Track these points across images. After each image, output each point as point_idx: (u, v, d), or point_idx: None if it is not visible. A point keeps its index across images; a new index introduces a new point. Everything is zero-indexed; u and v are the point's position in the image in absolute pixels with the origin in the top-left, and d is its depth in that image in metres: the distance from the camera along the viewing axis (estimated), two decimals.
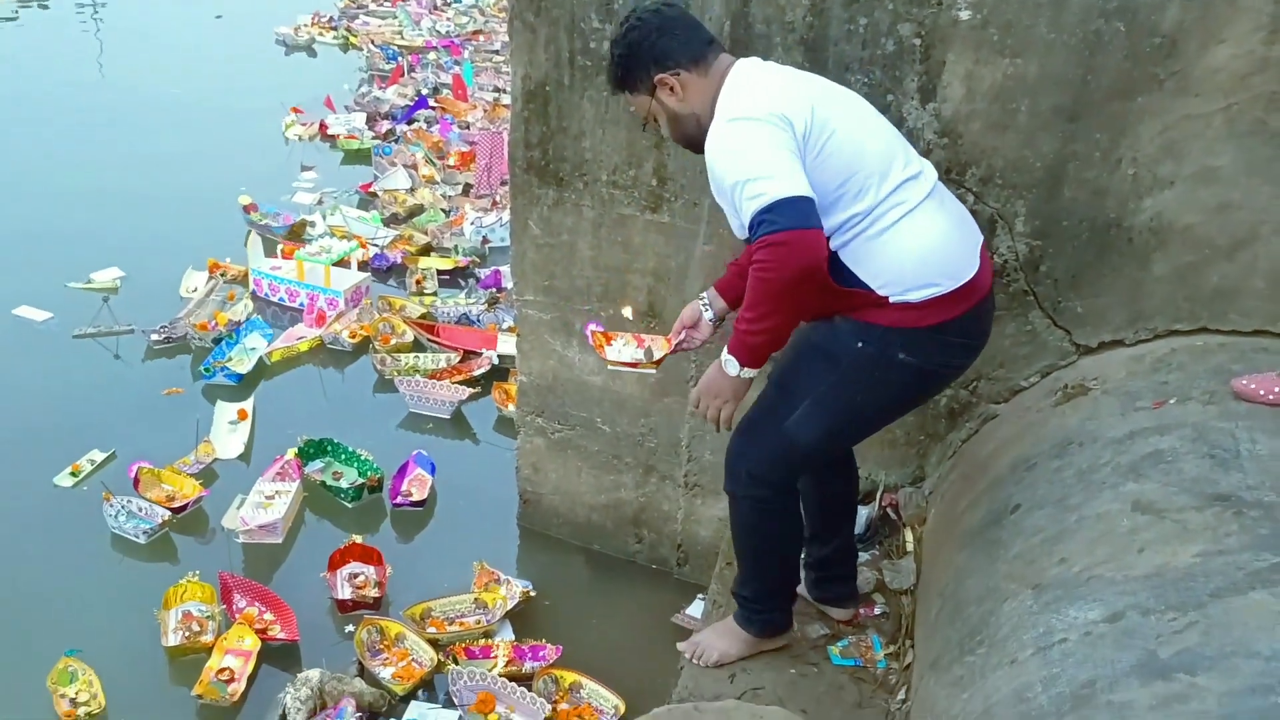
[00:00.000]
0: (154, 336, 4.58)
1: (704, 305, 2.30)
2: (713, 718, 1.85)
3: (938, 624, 2.10)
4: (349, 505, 3.64)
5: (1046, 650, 1.59)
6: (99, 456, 3.78)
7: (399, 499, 3.63)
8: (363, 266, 5.31)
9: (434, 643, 2.95)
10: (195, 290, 5.08)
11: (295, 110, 7.85)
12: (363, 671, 2.87)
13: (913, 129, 2.35)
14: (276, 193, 6.40)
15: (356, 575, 3.22)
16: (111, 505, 3.41)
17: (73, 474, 3.68)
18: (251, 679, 2.85)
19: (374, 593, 3.14)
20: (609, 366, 2.49)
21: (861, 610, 2.51)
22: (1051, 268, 2.37)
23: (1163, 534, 1.65)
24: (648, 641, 3.05)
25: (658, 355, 2.41)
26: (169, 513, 3.43)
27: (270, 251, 5.37)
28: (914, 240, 1.93)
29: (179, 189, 6.42)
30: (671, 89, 2.02)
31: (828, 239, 1.89)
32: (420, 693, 2.85)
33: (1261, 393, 1.91)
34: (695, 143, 2.06)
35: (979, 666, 1.76)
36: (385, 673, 2.84)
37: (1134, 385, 2.17)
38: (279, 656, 2.96)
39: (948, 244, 1.96)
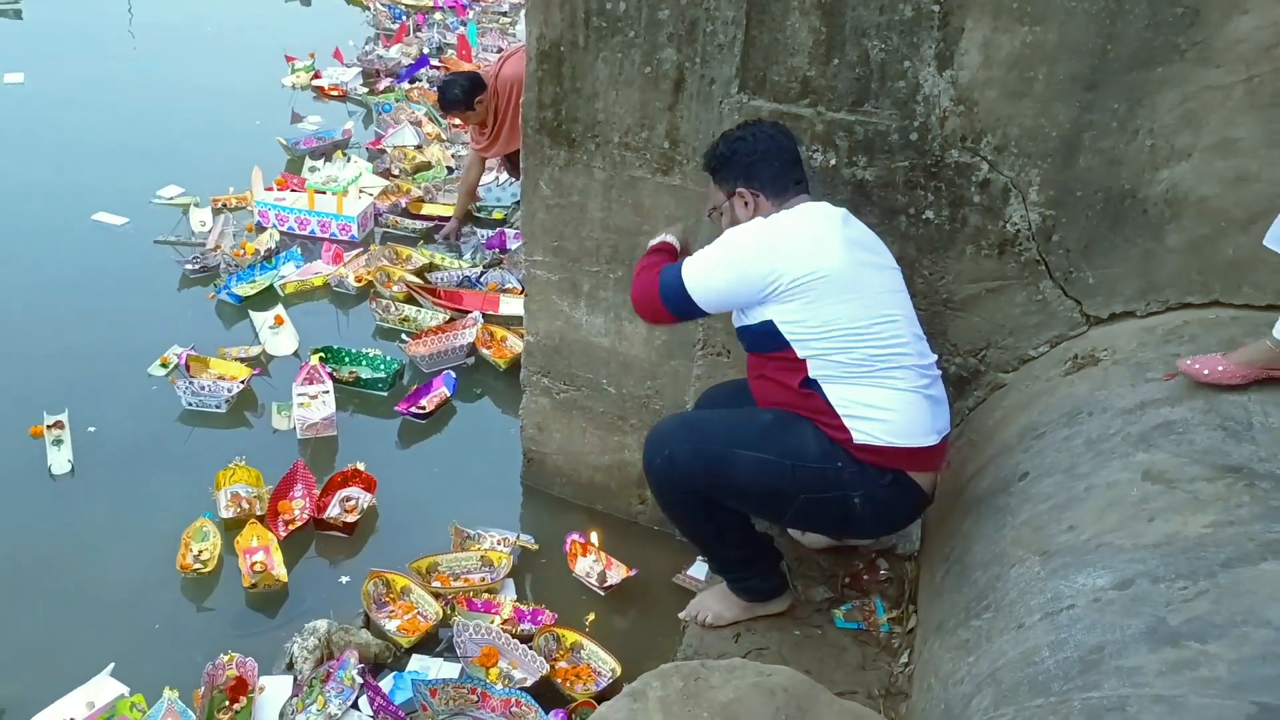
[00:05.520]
0: (188, 267, 4.78)
1: None
2: (720, 675, 1.87)
3: (943, 589, 2.12)
4: (385, 394, 3.99)
5: (1054, 615, 1.61)
6: (180, 350, 4.10)
7: (407, 408, 3.82)
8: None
9: (438, 596, 2.98)
10: (205, 224, 5.21)
11: (310, 56, 7.88)
12: (369, 623, 2.90)
13: (929, 95, 2.34)
14: (290, 132, 6.59)
15: (349, 499, 3.35)
16: (179, 387, 3.79)
17: (162, 365, 4.09)
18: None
19: (351, 518, 3.28)
20: (572, 574, 3.11)
21: (865, 575, 2.53)
22: (1064, 237, 2.36)
23: (1173, 503, 1.66)
24: (649, 602, 3.07)
25: (610, 582, 3.05)
26: (239, 385, 3.84)
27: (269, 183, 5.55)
28: (880, 394, 2.12)
29: (208, 120, 6.83)
30: (746, 203, 2.30)
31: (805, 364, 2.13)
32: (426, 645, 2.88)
33: (1205, 373, 1.90)
34: None
35: (985, 630, 1.78)
36: (390, 625, 2.87)
37: (1145, 356, 2.17)
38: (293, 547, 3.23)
39: (907, 409, 2.13)
